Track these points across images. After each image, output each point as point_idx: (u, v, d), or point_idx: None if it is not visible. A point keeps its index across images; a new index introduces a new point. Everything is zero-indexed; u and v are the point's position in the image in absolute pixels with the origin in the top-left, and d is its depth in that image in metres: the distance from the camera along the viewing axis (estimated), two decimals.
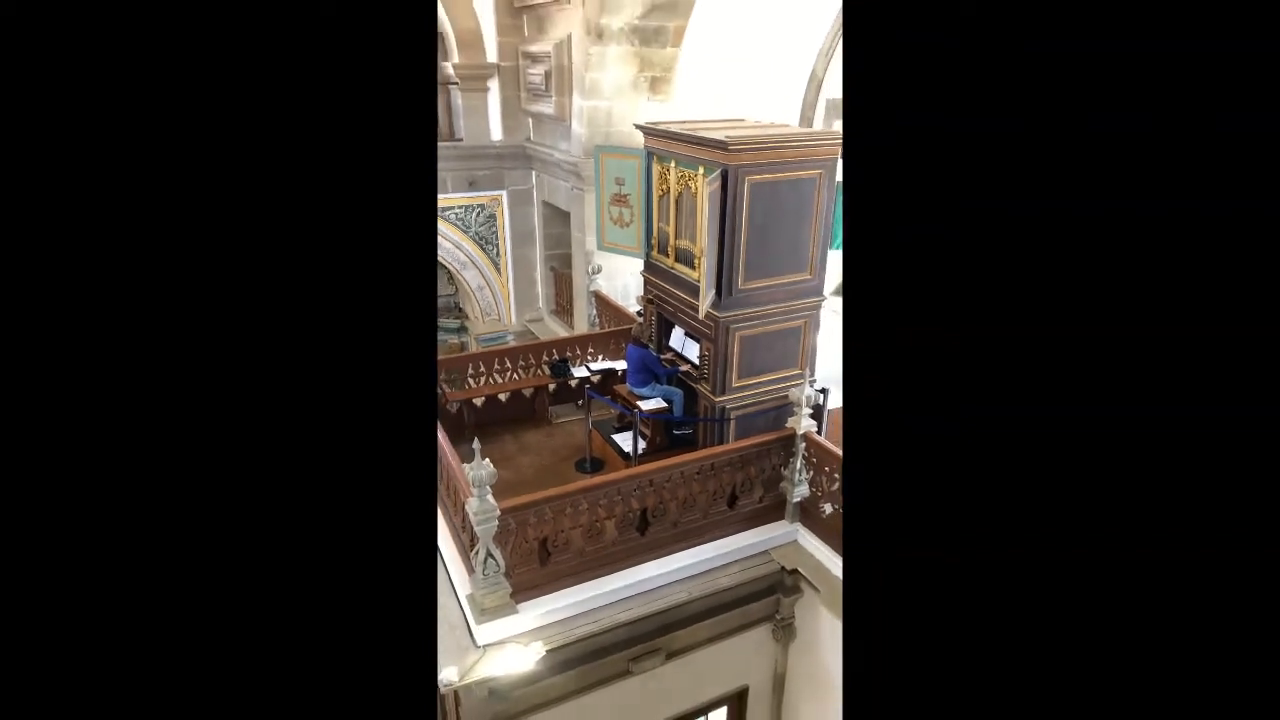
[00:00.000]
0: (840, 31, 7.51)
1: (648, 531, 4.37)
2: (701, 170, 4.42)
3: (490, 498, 3.69)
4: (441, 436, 4.58)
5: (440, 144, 8.47)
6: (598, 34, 6.96)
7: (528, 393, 6.15)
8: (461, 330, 9.67)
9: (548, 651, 4.00)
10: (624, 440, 5.24)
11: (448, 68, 8.43)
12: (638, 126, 5.29)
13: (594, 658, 4.34)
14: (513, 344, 8.55)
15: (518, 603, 4.01)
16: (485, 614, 3.93)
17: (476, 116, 8.57)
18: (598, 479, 4.29)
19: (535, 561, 4.08)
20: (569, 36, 7.40)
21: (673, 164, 4.81)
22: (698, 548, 4.52)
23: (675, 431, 5.28)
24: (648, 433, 5.29)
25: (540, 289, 9.33)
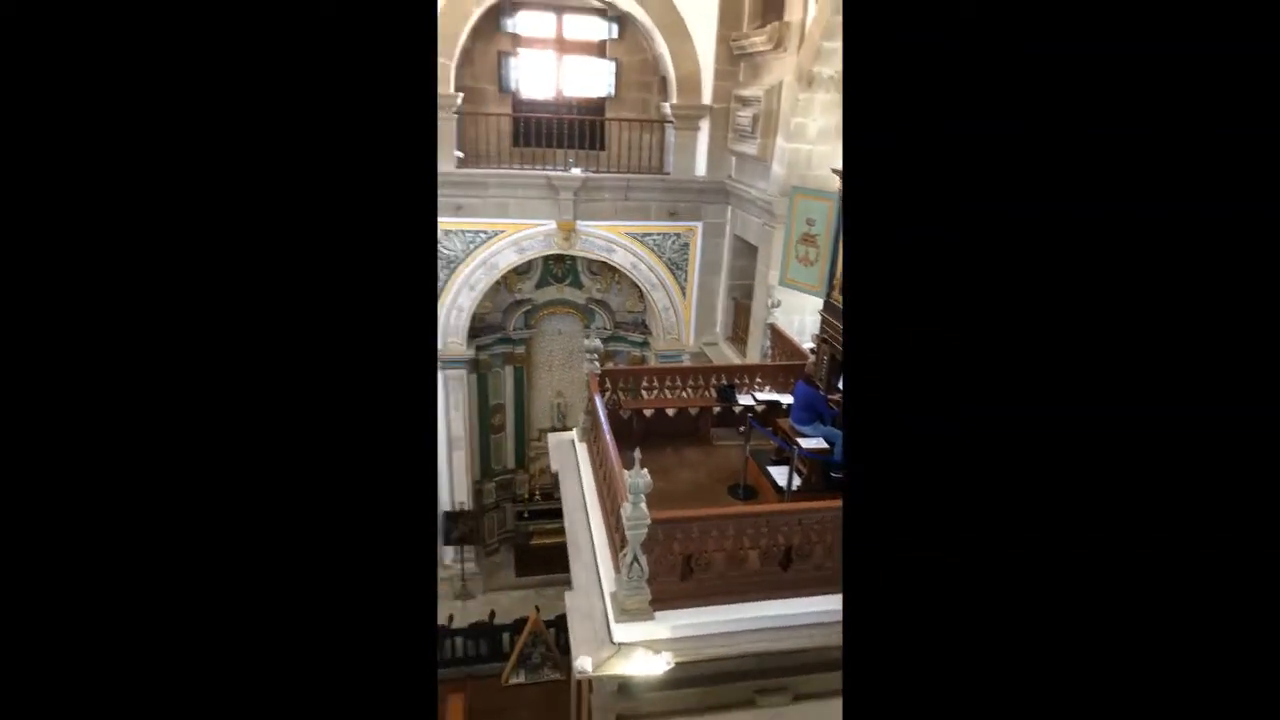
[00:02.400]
0: None
1: (790, 569, 4.12)
2: None
3: (644, 506, 3.67)
4: (609, 439, 4.66)
5: (648, 176, 8.75)
6: (808, 81, 6.81)
7: (693, 411, 6.10)
8: (644, 345, 9.89)
9: (677, 664, 3.89)
10: (779, 474, 5.01)
11: (666, 107, 8.70)
12: (836, 171, 5.07)
13: (720, 680, 4.16)
14: (687, 364, 8.59)
15: (655, 610, 3.95)
16: (625, 614, 3.91)
17: (685, 153, 8.75)
18: (749, 508, 4.13)
19: (677, 575, 4.00)
20: (780, 82, 7.32)
21: None
22: (838, 596, 4.19)
23: (832, 474, 4.95)
24: (804, 470, 5.01)
25: (720, 315, 9.29)
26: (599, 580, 4.30)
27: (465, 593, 9.35)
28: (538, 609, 7.94)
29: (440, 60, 7.45)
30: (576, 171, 8.25)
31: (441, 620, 8.42)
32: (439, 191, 7.87)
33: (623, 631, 3.89)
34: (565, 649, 7.90)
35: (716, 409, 6.11)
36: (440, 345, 8.46)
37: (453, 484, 9.13)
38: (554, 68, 8.74)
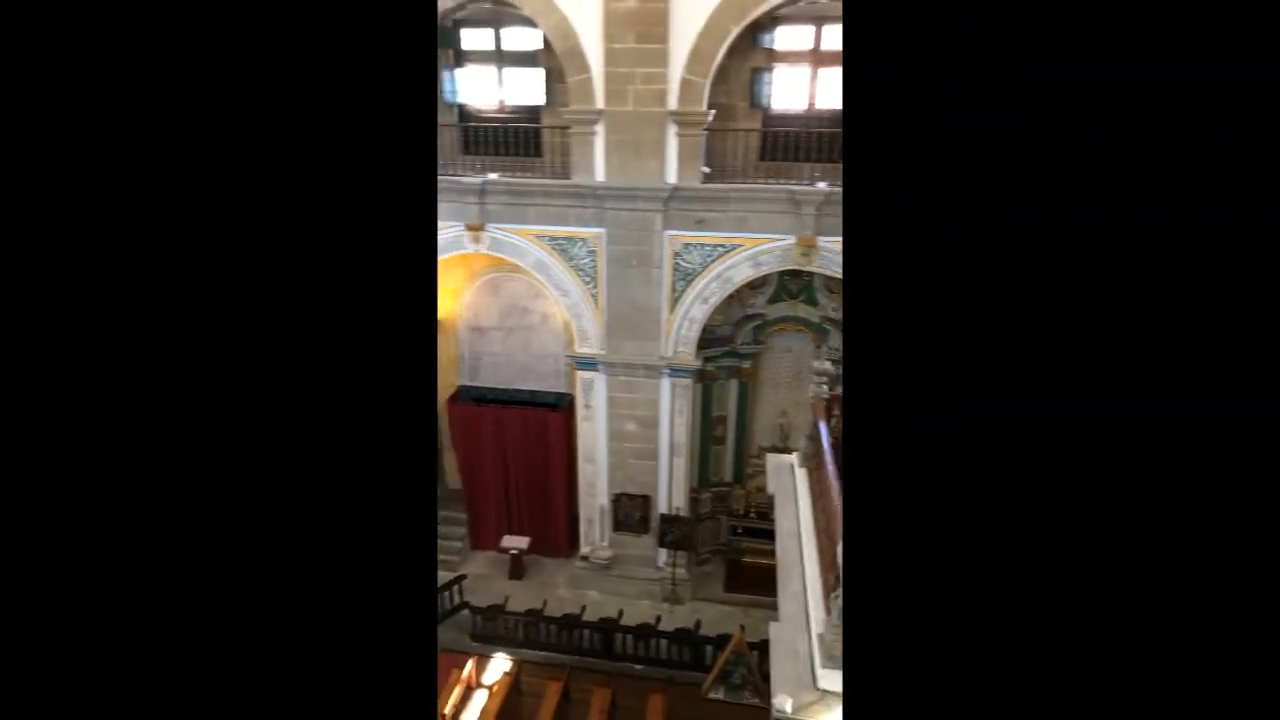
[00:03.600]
0: None
1: None
2: None
3: None
4: (832, 471, 4.40)
5: None
6: None
7: None
8: None
9: None
10: None
11: None
12: None
13: None
14: None
15: None
16: (832, 660, 3.66)
17: None
18: None
19: None
20: None
21: None
22: None
23: None
24: None
25: None
26: (807, 617, 4.08)
27: (674, 597, 9.55)
28: (742, 628, 7.83)
29: (695, 79, 7.71)
30: (821, 185, 7.99)
31: (649, 619, 8.70)
32: (681, 207, 8.16)
33: (828, 679, 3.64)
34: (767, 676, 7.67)
35: None
36: (670, 353, 8.75)
37: (671, 489, 9.39)
38: (808, 81, 8.57)
